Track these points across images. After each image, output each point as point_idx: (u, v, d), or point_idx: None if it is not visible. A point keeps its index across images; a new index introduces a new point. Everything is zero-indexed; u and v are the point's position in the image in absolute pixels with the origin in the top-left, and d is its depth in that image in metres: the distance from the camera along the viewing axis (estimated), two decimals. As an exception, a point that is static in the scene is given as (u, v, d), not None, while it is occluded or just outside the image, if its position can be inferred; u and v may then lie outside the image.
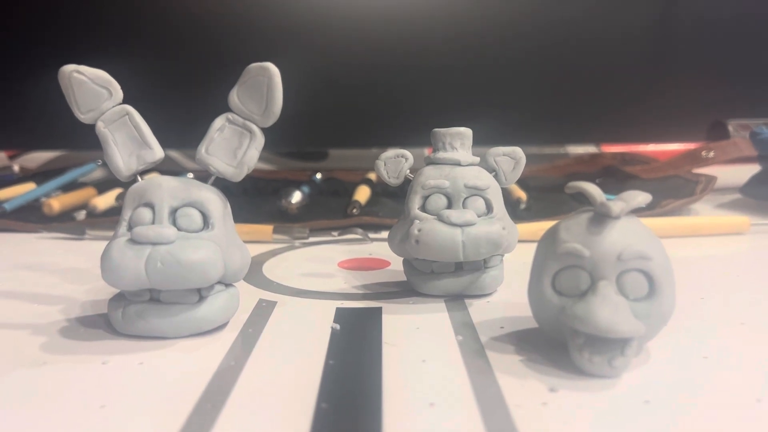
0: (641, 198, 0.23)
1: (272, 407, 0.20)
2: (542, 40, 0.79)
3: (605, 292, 0.21)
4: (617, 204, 0.22)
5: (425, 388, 0.21)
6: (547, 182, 0.64)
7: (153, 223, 0.25)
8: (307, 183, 0.62)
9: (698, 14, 0.79)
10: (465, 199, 0.29)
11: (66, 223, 0.48)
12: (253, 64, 0.26)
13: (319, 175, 0.68)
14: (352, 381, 0.22)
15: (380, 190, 0.58)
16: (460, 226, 0.28)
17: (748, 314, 0.28)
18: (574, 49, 0.79)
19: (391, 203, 0.54)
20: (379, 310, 0.29)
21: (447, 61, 0.79)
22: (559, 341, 0.23)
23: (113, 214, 0.50)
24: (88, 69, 0.26)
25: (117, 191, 0.54)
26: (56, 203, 0.51)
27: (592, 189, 0.23)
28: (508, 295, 0.31)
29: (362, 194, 0.54)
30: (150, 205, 0.25)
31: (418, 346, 0.25)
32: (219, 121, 0.27)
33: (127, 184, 0.27)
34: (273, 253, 0.40)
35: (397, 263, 0.36)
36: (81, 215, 0.50)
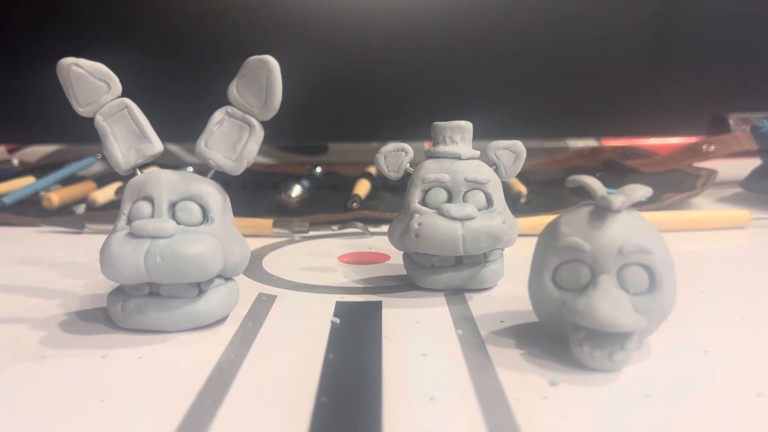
0: (642, 192, 0.22)
1: (272, 401, 0.20)
2: (543, 34, 0.79)
3: (606, 286, 0.21)
4: (618, 198, 0.22)
5: (425, 382, 0.21)
6: (547, 176, 0.64)
7: (152, 216, 0.25)
8: (307, 177, 0.62)
9: (699, 8, 0.79)
10: (465, 192, 0.29)
11: (65, 217, 0.48)
12: (253, 57, 0.26)
13: (318, 169, 0.68)
14: (352, 375, 0.22)
15: (380, 184, 0.57)
16: (461, 219, 0.28)
17: (749, 309, 0.28)
18: (575, 43, 0.79)
19: (391, 197, 0.54)
20: (379, 304, 0.29)
21: (447, 55, 0.79)
22: (560, 335, 0.23)
23: (113, 208, 0.50)
24: (86, 62, 0.25)
25: (116, 185, 0.54)
26: (55, 197, 0.50)
27: (593, 183, 0.23)
28: (509, 289, 0.31)
29: (362, 188, 0.54)
30: (149, 199, 0.25)
31: (418, 340, 0.25)
32: (218, 115, 0.26)
33: (126, 177, 0.27)
34: (273, 247, 0.40)
35: (397, 257, 0.36)
36: (80, 209, 0.50)
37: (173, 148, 0.73)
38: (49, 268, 0.36)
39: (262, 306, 0.29)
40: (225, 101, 0.26)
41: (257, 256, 0.38)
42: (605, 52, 0.80)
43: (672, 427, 0.18)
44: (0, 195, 0.50)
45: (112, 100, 0.26)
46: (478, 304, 0.29)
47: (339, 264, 0.36)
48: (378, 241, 0.42)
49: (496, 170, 0.30)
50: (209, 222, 0.25)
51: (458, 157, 0.30)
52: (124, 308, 0.25)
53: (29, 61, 0.67)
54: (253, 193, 0.57)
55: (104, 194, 0.52)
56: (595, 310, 0.21)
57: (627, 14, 0.79)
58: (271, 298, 0.30)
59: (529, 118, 0.77)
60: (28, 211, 0.49)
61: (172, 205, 0.25)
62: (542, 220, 0.38)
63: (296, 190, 0.50)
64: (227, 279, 0.27)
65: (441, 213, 0.28)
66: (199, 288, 0.25)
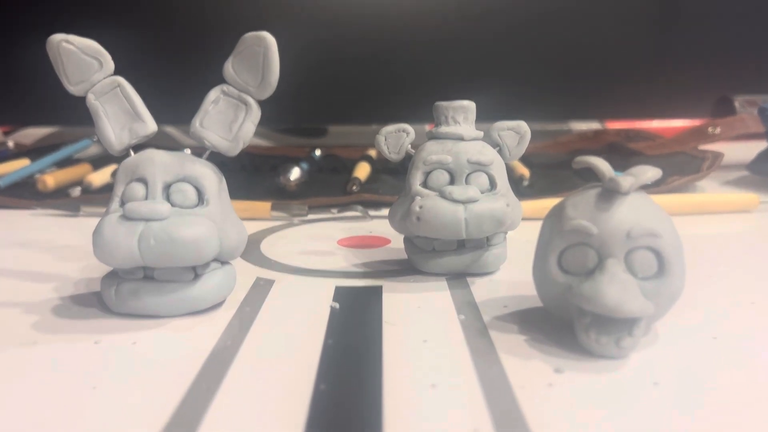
0: (651, 173, 0.22)
1: (269, 388, 0.19)
2: (547, 15, 0.77)
3: (613, 271, 0.21)
4: (626, 179, 0.21)
5: (426, 368, 0.21)
6: (550, 159, 0.63)
7: (146, 198, 0.24)
8: (306, 159, 0.62)
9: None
10: (468, 175, 0.28)
11: (60, 199, 0.47)
12: (249, 34, 0.25)
13: (318, 152, 0.67)
14: (352, 362, 0.21)
15: (380, 166, 0.57)
16: (463, 202, 0.27)
17: (759, 293, 0.27)
18: (579, 24, 0.78)
19: (392, 180, 0.53)
20: (379, 289, 0.28)
21: (449, 35, 0.78)
22: (565, 321, 0.23)
23: (108, 191, 0.49)
24: (77, 39, 0.25)
25: (112, 167, 0.53)
26: (51, 179, 0.50)
27: (601, 164, 0.22)
28: (512, 273, 0.30)
29: (362, 171, 0.53)
30: (143, 181, 0.24)
31: (419, 326, 0.24)
32: (213, 93, 0.26)
33: (119, 158, 0.26)
34: (271, 231, 0.40)
35: (397, 241, 0.35)
36: (76, 192, 0.50)
37: (170, 130, 0.72)
38: (43, 251, 0.35)
39: (259, 290, 0.28)
40: (222, 80, 0.26)
41: (255, 240, 0.37)
42: (609, 34, 0.79)
43: (680, 414, 0.18)
44: (-5, 177, 0.50)
45: (104, 78, 0.25)
46: (480, 288, 0.28)
47: (338, 248, 0.36)
48: (378, 224, 0.41)
49: (500, 152, 0.30)
50: (205, 204, 0.25)
51: (461, 138, 0.29)
52: (118, 292, 0.25)
53: (24, 41, 0.66)
54: (251, 175, 0.57)
55: (100, 177, 0.52)
56: (602, 295, 0.20)
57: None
58: (269, 283, 0.29)
59: (532, 100, 0.76)
60: (23, 193, 0.49)
61: (167, 187, 0.25)
62: (545, 204, 0.37)
63: (295, 173, 0.49)
64: (224, 263, 0.26)
65: (443, 195, 0.28)
66: (195, 272, 0.25)
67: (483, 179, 0.28)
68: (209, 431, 0.17)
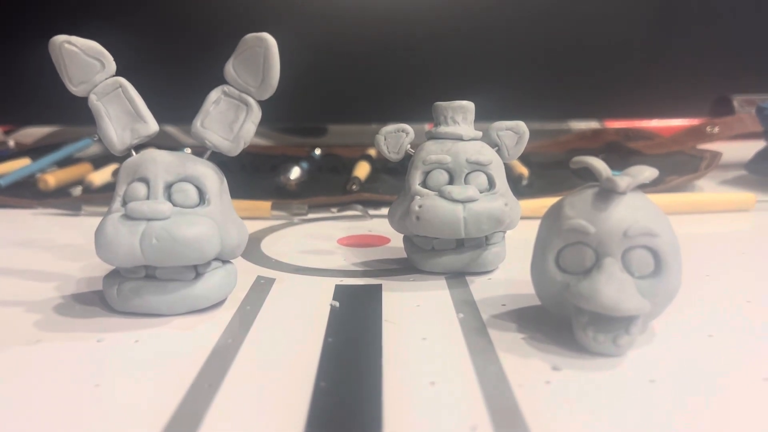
0: (648, 173, 0.22)
1: (270, 386, 0.20)
2: (546, 14, 0.77)
3: (611, 270, 0.21)
4: (624, 179, 0.21)
5: (426, 366, 0.21)
6: (549, 158, 0.63)
7: (148, 198, 0.24)
8: (306, 159, 0.62)
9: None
10: (467, 174, 0.28)
11: (62, 199, 0.47)
12: (250, 35, 0.25)
13: (318, 151, 0.67)
14: (352, 359, 0.21)
15: (380, 166, 0.57)
16: (462, 202, 0.27)
17: (754, 292, 0.27)
18: (578, 24, 0.78)
19: (391, 179, 0.53)
20: (379, 288, 0.29)
21: (449, 35, 0.78)
22: (563, 319, 0.23)
23: (109, 190, 0.49)
24: (79, 40, 0.25)
25: (113, 167, 0.54)
26: (52, 179, 0.50)
27: (598, 164, 0.23)
28: (510, 272, 0.30)
29: (362, 170, 0.53)
30: (144, 180, 0.25)
31: (418, 324, 0.24)
32: (214, 94, 0.26)
33: (121, 158, 0.26)
34: (271, 230, 0.40)
35: (397, 240, 0.35)
36: (77, 191, 0.50)
37: (171, 129, 0.72)
38: (45, 250, 0.35)
39: (260, 289, 0.28)
40: (222, 81, 0.26)
41: (256, 239, 0.37)
42: (608, 33, 0.79)
43: (677, 412, 0.18)
44: (-4, 177, 0.50)
45: (106, 79, 0.25)
46: (479, 287, 0.28)
47: (338, 247, 0.36)
48: (378, 223, 0.41)
49: (499, 151, 0.30)
50: (206, 204, 0.25)
51: (460, 138, 0.29)
52: (120, 291, 0.25)
53: (25, 41, 0.67)
54: (251, 175, 0.57)
55: (101, 176, 0.52)
56: (600, 294, 0.20)
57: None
58: (270, 282, 0.30)
59: (531, 99, 0.77)
60: (24, 193, 0.49)
61: (168, 187, 0.25)
62: (544, 203, 0.38)
63: (295, 173, 0.50)
64: (225, 262, 0.26)
65: (442, 195, 0.28)
66: (196, 271, 0.25)
67: (482, 179, 0.29)
68: (211, 428, 0.17)
